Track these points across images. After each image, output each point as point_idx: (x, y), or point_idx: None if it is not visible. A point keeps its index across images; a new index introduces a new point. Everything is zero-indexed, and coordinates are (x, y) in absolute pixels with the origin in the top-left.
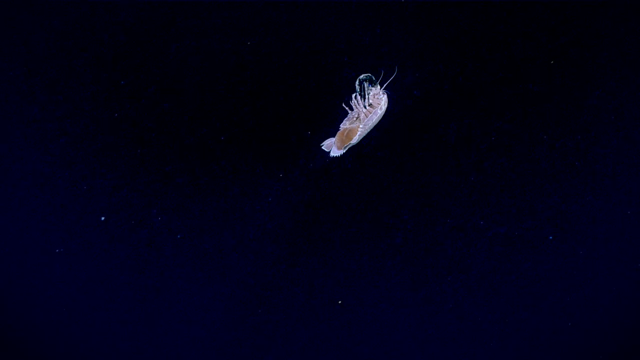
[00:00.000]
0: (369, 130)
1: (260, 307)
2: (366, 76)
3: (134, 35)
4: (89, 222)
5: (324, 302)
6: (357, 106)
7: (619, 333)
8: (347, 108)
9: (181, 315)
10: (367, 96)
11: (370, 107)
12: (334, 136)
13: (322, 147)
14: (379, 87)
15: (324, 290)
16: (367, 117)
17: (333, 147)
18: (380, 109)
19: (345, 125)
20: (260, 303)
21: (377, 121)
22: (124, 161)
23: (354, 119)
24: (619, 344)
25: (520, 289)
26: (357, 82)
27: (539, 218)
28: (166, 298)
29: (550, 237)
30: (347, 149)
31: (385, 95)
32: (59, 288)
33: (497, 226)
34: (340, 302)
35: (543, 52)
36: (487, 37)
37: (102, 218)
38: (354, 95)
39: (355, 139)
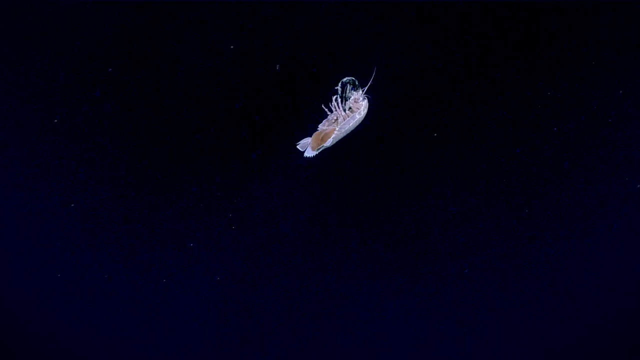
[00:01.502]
0: (345, 134)
1: (253, 307)
2: (349, 79)
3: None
4: (85, 221)
5: (318, 302)
6: (337, 109)
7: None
8: (326, 110)
9: (175, 316)
10: (347, 100)
11: (349, 111)
12: (310, 136)
13: (297, 147)
14: (360, 91)
15: (319, 290)
16: (344, 120)
17: (308, 147)
18: (359, 114)
19: (323, 126)
20: (252, 303)
21: (354, 126)
22: (122, 161)
23: (332, 121)
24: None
25: (519, 289)
26: (339, 84)
27: (526, 222)
28: (163, 299)
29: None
30: (320, 150)
31: (366, 101)
32: (55, 286)
33: (477, 231)
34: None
35: (533, 57)
36: (474, 43)
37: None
38: (334, 98)
39: (328, 142)
